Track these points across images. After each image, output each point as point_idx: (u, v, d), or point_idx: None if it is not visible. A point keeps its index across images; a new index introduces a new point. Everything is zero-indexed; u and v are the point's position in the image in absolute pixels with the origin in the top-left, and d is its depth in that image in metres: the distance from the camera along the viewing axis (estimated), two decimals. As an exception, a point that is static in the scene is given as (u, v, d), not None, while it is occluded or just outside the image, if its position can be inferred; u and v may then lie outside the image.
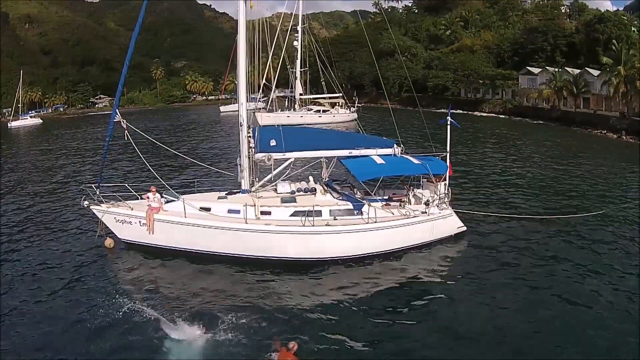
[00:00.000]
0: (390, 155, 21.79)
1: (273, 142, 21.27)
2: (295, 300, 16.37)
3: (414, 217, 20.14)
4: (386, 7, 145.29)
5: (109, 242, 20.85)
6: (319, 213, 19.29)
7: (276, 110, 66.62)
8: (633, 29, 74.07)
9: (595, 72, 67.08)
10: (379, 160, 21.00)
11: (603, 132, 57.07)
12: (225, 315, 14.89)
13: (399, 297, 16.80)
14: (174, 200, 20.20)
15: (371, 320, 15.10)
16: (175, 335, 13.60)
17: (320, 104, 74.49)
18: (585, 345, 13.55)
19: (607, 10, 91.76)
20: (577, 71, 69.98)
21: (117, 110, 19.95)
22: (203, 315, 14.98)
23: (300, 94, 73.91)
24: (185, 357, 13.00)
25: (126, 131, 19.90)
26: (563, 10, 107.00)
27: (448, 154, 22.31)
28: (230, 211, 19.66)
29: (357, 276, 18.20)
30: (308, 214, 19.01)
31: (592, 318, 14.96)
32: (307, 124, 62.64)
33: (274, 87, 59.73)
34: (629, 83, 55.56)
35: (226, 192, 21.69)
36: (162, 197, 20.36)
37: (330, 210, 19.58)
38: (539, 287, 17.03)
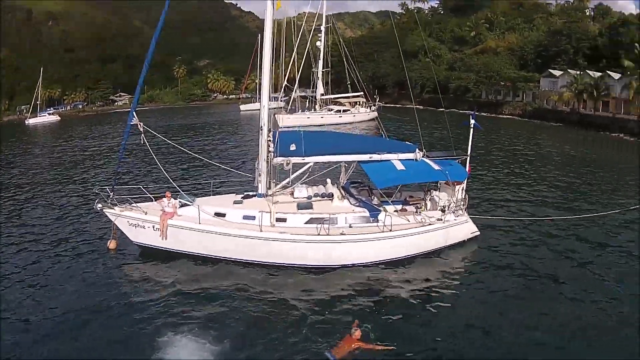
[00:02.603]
0: (411, 159, 21.38)
1: (293, 147, 20.77)
2: (308, 308, 16.22)
3: (430, 224, 19.96)
4: (412, 8, 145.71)
5: (112, 244, 20.69)
6: (334, 221, 19.18)
7: (297, 111, 66.74)
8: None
9: (616, 76, 67.13)
10: (399, 166, 20.66)
11: (621, 135, 57.48)
12: (233, 324, 15.05)
13: (411, 304, 16.65)
14: (189, 204, 19.96)
15: (382, 328, 14.93)
16: (183, 347, 13.66)
17: (340, 104, 74.35)
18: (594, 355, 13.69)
19: (630, 14, 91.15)
20: (598, 74, 69.86)
21: (134, 113, 19.53)
22: (212, 324, 14.99)
23: (322, 94, 73.37)
24: None
25: (142, 134, 19.65)
26: (587, 13, 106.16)
27: (468, 158, 22.01)
28: (245, 217, 19.48)
29: (369, 283, 18.07)
30: (324, 221, 18.94)
31: (606, 326, 14.95)
32: (328, 124, 62.63)
33: (296, 87, 60.19)
34: (648, 87, 55.75)
35: (242, 196, 21.34)
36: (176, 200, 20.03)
37: (346, 218, 19.47)
38: (553, 295, 16.95)
